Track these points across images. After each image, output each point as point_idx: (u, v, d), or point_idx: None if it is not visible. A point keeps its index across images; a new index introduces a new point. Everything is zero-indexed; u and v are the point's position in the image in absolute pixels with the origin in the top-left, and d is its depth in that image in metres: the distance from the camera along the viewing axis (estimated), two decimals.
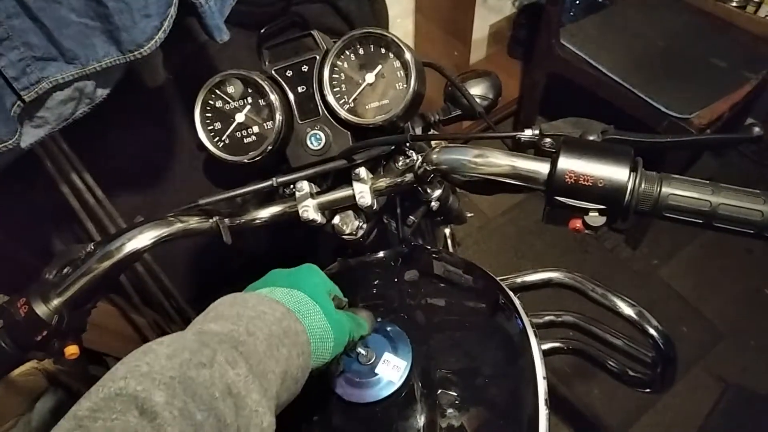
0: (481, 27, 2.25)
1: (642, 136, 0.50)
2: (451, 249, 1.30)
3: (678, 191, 0.46)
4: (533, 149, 0.55)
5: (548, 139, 0.52)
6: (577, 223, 0.49)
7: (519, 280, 0.94)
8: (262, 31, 0.85)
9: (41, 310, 0.60)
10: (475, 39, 2.11)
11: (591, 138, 0.51)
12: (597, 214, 0.48)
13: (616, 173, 0.46)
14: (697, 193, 0.46)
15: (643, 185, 0.46)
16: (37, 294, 0.61)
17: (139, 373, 0.38)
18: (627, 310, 0.86)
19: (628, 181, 0.46)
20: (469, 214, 1.17)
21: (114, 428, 0.34)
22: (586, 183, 0.46)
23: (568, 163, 0.47)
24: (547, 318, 1.00)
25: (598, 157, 0.47)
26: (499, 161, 0.52)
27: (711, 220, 0.46)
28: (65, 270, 0.64)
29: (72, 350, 0.64)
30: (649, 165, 0.48)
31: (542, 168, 0.50)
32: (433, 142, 0.78)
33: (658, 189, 0.46)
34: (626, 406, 1.70)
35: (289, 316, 0.49)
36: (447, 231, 1.29)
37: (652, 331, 0.85)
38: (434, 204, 0.84)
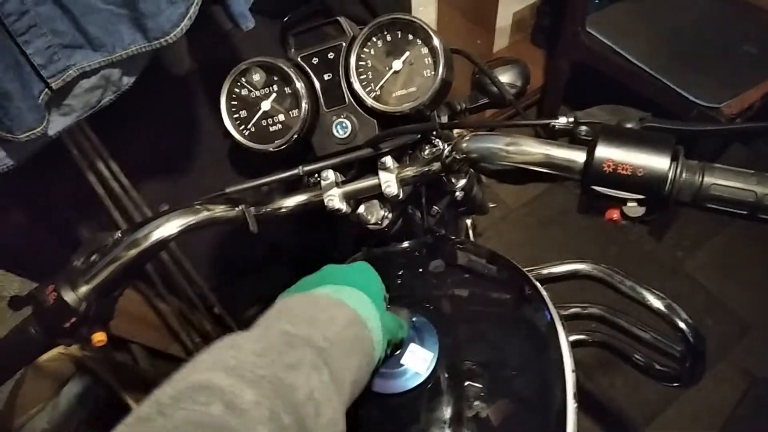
0: (505, 15, 2.21)
1: (682, 124, 0.48)
2: (472, 239, 1.29)
3: (721, 181, 0.44)
4: (567, 137, 0.54)
5: (584, 127, 0.51)
6: (615, 214, 0.47)
7: (545, 271, 0.92)
8: (286, 19, 0.84)
9: (70, 297, 0.60)
10: (498, 27, 2.08)
11: (629, 126, 0.49)
12: (636, 204, 0.46)
13: (657, 162, 0.45)
14: (742, 183, 0.44)
15: (684, 175, 0.45)
16: (66, 281, 0.61)
17: (226, 366, 0.37)
18: (656, 302, 0.84)
19: (669, 171, 0.45)
20: (491, 205, 1.16)
21: (199, 420, 0.33)
22: (624, 172, 0.45)
23: (606, 152, 0.46)
24: (572, 310, 0.99)
25: (637, 145, 0.45)
26: (533, 149, 0.51)
27: (756, 211, 0.44)
28: (93, 258, 0.65)
29: (99, 337, 0.64)
30: None
31: (578, 156, 0.49)
32: (461, 131, 0.77)
33: (700, 179, 0.45)
34: (650, 398, 1.68)
35: (358, 323, 0.48)
36: (468, 222, 1.28)
37: (681, 325, 0.83)
38: (459, 194, 0.83)
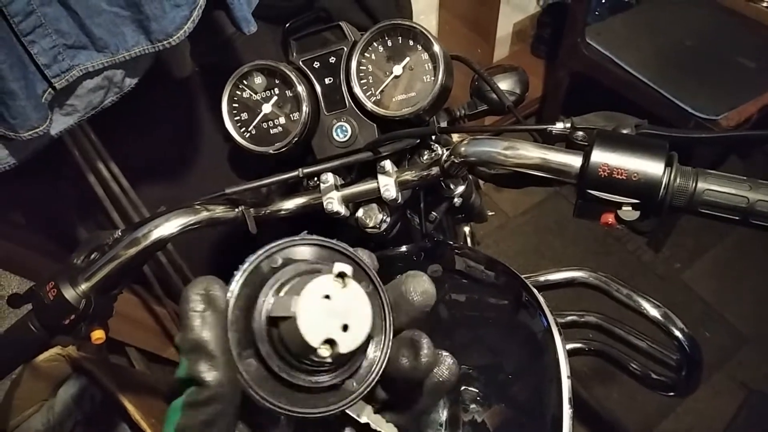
0: (505, 25, 2.23)
1: (677, 131, 0.49)
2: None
3: (714, 187, 0.45)
4: (563, 142, 0.55)
5: (580, 132, 0.51)
6: (610, 218, 0.48)
7: (542, 278, 0.93)
8: (288, 24, 0.85)
9: (69, 294, 0.60)
10: (498, 37, 2.10)
11: (625, 132, 0.50)
12: (630, 208, 0.47)
13: (651, 167, 0.45)
14: (734, 189, 0.45)
15: (678, 180, 0.45)
16: (66, 278, 0.61)
17: None
18: (652, 311, 0.85)
19: (663, 176, 0.45)
20: (489, 213, 1.16)
21: None
22: (620, 177, 0.46)
23: (602, 156, 0.46)
24: (569, 318, 0.99)
25: (632, 150, 0.46)
26: (530, 153, 0.51)
27: (748, 217, 0.44)
28: (93, 255, 0.65)
29: (98, 335, 0.65)
30: None
31: (574, 161, 0.49)
32: (459, 135, 0.78)
33: (694, 184, 0.45)
34: (646, 409, 1.68)
35: None
36: (467, 229, 1.28)
37: (677, 334, 0.84)
38: (457, 200, 0.83)
